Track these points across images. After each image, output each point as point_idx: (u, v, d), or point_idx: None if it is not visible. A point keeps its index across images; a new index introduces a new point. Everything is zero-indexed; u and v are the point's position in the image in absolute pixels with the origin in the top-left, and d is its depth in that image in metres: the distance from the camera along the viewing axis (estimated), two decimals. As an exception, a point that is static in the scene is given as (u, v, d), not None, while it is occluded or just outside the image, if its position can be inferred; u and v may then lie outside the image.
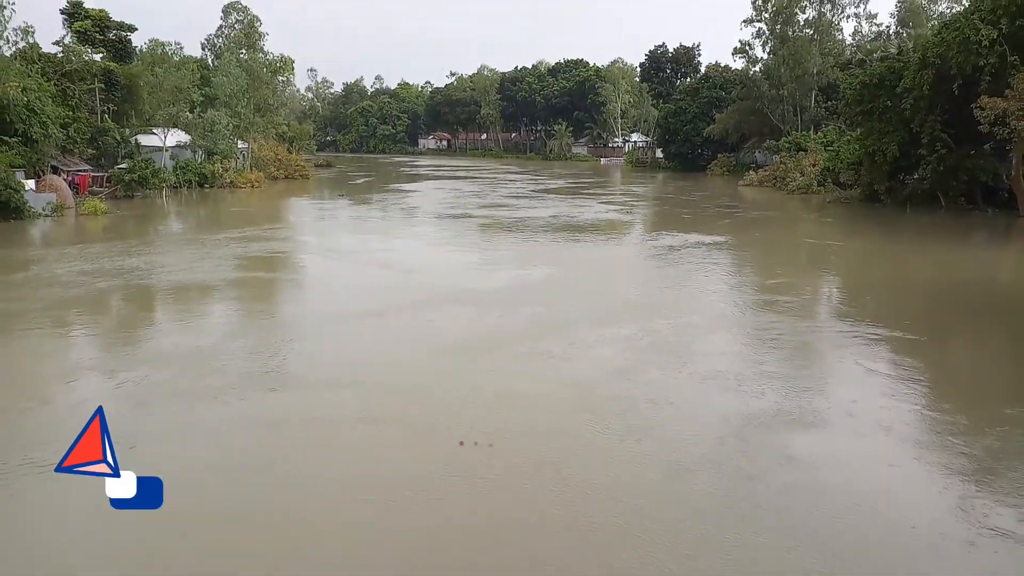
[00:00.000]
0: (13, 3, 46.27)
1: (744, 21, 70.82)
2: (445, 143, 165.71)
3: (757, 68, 73.96)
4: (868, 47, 69.83)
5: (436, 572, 8.39)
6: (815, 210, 47.65)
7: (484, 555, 8.71)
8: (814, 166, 57.27)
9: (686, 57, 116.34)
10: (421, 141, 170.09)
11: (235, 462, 11.10)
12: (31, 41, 51.11)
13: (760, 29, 70.27)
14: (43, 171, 48.65)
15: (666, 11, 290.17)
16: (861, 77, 47.57)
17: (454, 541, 8.95)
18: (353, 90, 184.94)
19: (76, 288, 23.42)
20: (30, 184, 44.25)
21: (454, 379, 14.57)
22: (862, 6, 70.26)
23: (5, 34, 46.78)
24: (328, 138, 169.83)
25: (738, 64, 79.45)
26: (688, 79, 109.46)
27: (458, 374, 14.89)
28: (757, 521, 9.17)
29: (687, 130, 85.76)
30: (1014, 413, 12.74)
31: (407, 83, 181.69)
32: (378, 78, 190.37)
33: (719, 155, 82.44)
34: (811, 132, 66.38)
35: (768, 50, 70.81)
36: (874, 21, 74.81)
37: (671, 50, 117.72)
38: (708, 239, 33.88)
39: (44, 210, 42.80)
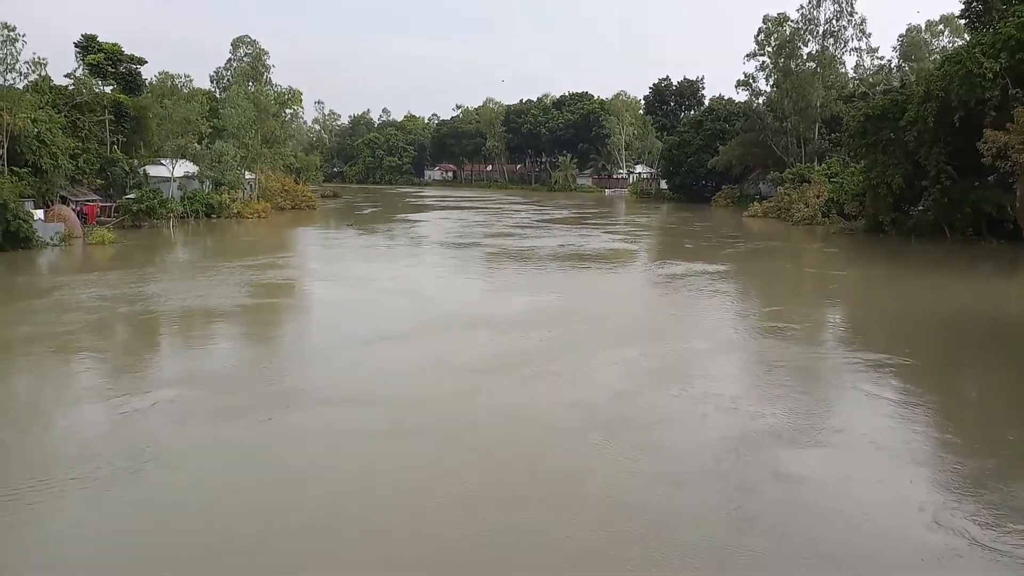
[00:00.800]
0: (24, 36, 47.29)
1: (747, 55, 71.71)
2: (451, 174, 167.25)
3: (760, 101, 74.50)
4: (871, 80, 70.53)
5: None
6: (819, 241, 48.07)
7: (507, 568, 9.11)
8: (818, 197, 57.75)
9: (690, 90, 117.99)
10: (427, 172, 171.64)
11: (267, 473, 11.71)
12: (43, 74, 52.05)
13: (764, 62, 71.06)
14: (52, 201, 49.49)
15: (670, 46, 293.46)
16: (864, 110, 48.25)
17: (475, 556, 9.35)
18: (360, 122, 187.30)
19: (98, 313, 24.08)
20: (39, 214, 44.97)
21: (472, 398, 15.22)
22: (864, 40, 70.46)
23: (18, 66, 47.65)
24: (335, 169, 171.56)
25: (742, 97, 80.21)
26: (692, 111, 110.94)
27: (475, 393, 15.51)
28: (755, 531, 9.56)
29: (691, 162, 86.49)
30: (1017, 437, 13.03)
31: (413, 115, 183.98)
32: (385, 111, 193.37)
33: (723, 186, 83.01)
34: (815, 164, 66.96)
35: (771, 83, 71.52)
36: (876, 55, 74.91)
37: (675, 83, 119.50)
38: (712, 268, 34.31)
39: (52, 239, 43.46)
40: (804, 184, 61.87)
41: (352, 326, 22.52)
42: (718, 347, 19.71)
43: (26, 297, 27.74)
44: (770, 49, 70.00)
